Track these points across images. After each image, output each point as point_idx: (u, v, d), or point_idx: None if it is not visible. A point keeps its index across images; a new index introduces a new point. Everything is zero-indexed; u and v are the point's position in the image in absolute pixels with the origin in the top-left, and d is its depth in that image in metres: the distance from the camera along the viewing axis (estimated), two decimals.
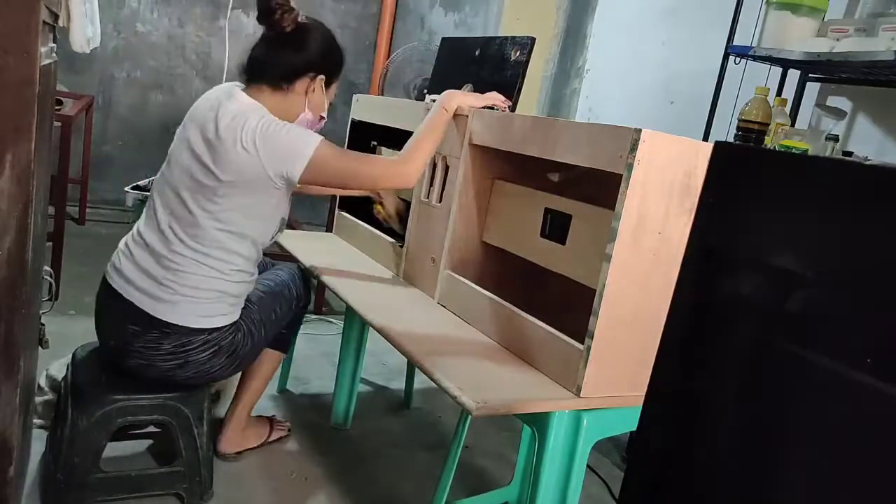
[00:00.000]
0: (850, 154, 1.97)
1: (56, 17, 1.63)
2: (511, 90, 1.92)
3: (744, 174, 0.84)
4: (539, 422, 1.33)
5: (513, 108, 1.88)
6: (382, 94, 3.04)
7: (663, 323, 0.90)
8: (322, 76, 1.70)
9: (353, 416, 2.25)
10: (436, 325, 1.64)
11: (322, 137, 1.60)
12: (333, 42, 1.75)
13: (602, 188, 1.41)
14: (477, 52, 2.16)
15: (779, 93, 2.23)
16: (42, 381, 1.94)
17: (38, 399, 1.89)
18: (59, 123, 2.76)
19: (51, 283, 1.73)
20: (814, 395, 0.73)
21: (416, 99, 2.85)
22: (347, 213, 2.39)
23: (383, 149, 2.33)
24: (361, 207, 2.33)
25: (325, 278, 1.87)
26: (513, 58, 1.99)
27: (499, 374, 1.39)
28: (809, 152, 1.82)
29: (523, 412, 1.32)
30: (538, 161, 1.53)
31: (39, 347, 1.66)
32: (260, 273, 1.88)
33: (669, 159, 1.28)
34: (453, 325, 1.65)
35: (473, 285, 1.68)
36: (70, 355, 1.77)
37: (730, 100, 2.26)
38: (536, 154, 1.52)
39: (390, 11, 4.60)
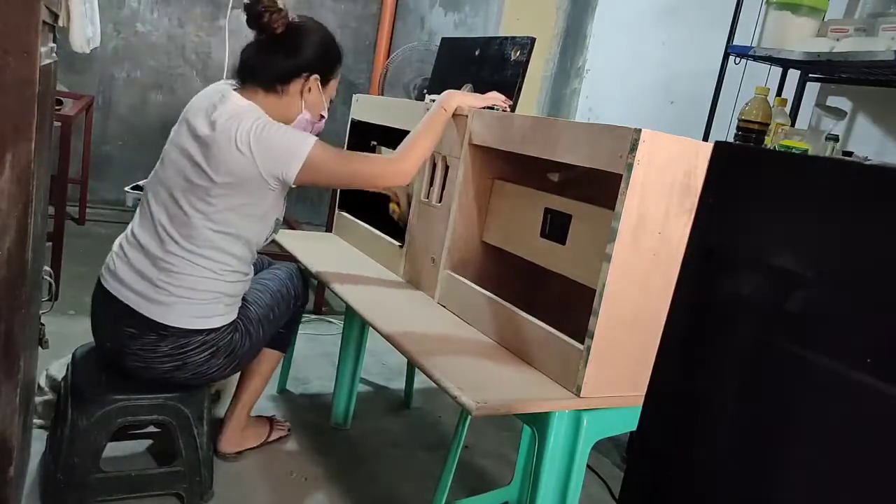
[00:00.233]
0: (850, 154, 1.97)
1: (56, 17, 1.63)
2: (511, 90, 1.92)
3: (744, 174, 0.84)
4: (539, 422, 1.33)
5: (513, 109, 1.88)
6: (382, 94, 3.04)
7: (663, 323, 0.90)
8: (316, 76, 1.68)
9: (353, 416, 2.25)
10: (436, 325, 1.64)
11: (317, 138, 1.60)
12: (328, 39, 1.73)
13: (602, 188, 1.41)
14: (477, 52, 2.16)
15: (779, 93, 2.23)
16: (42, 381, 1.94)
17: (38, 399, 1.89)
18: (59, 123, 2.76)
19: (51, 283, 1.73)
20: (814, 395, 0.73)
21: (416, 99, 2.85)
22: (347, 213, 2.39)
23: (383, 148, 2.32)
24: (361, 207, 2.33)
25: (325, 278, 1.87)
26: (513, 58, 1.99)
27: (499, 374, 1.39)
28: (809, 152, 1.82)
29: (523, 412, 1.32)
30: (538, 161, 1.53)
31: (39, 347, 1.66)
32: (258, 272, 1.88)
33: (669, 159, 1.28)
34: (453, 325, 1.65)
35: (473, 285, 1.68)
36: (70, 355, 1.77)
37: (730, 100, 2.26)
38: (536, 154, 1.51)
39: (390, 11, 4.60)
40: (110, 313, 1.62)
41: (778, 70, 2.25)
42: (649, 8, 3.00)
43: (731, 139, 2.14)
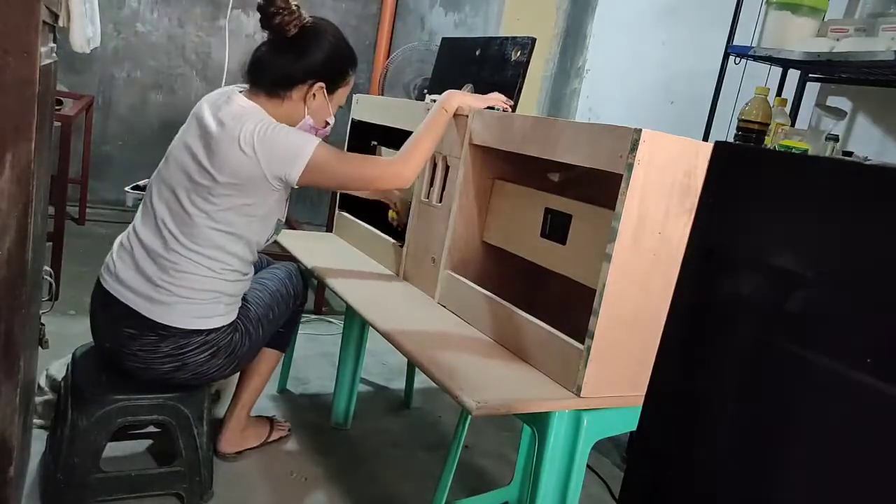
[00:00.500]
0: (850, 154, 1.97)
1: (56, 17, 1.63)
2: (511, 90, 1.92)
3: (744, 174, 0.84)
4: (539, 422, 1.33)
5: (514, 109, 1.88)
6: (382, 94, 3.04)
7: (663, 323, 0.90)
8: (322, 83, 1.66)
9: (353, 416, 2.25)
10: (436, 325, 1.64)
11: (320, 140, 1.60)
12: (339, 46, 1.70)
13: (602, 188, 1.41)
14: (477, 53, 2.16)
15: (779, 93, 2.23)
16: (42, 381, 1.94)
17: (38, 399, 1.89)
18: (59, 123, 2.75)
19: (51, 283, 1.73)
20: (814, 395, 0.73)
21: (416, 99, 2.85)
22: (347, 213, 2.39)
23: (383, 149, 2.33)
24: (361, 207, 2.33)
25: (326, 278, 1.87)
26: (513, 58, 1.99)
27: (499, 373, 1.39)
28: (809, 152, 1.82)
29: (523, 412, 1.32)
30: (538, 161, 1.53)
31: (39, 347, 1.66)
32: (257, 272, 1.88)
33: (669, 159, 1.28)
34: (453, 325, 1.65)
35: (473, 285, 1.68)
36: (70, 355, 1.77)
37: (730, 100, 2.26)
38: (536, 154, 1.51)
39: (390, 11, 4.60)
40: (110, 314, 1.62)
41: (778, 70, 2.25)
42: (649, 8, 3.00)
43: (731, 139, 2.14)
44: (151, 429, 1.89)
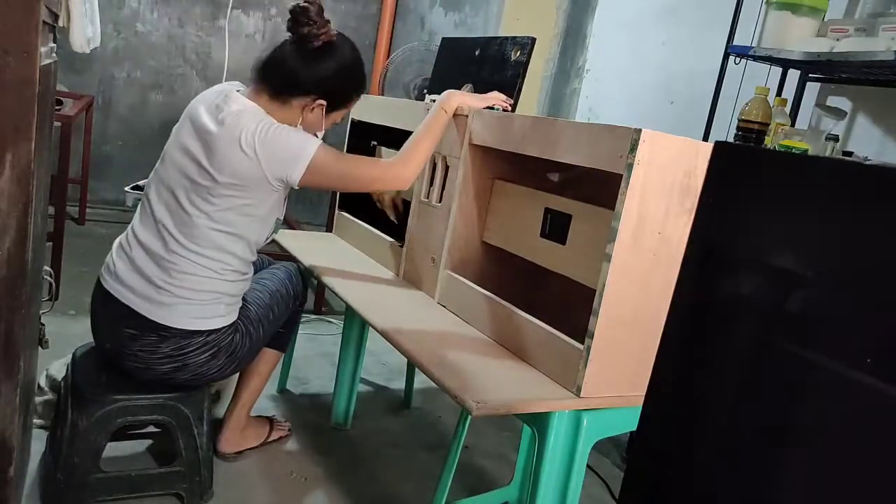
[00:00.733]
0: (850, 154, 1.97)
1: (56, 17, 1.63)
2: (511, 90, 1.92)
3: (744, 174, 0.84)
4: (539, 422, 1.33)
5: (513, 109, 1.88)
6: (382, 94, 3.04)
7: (663, 323, 0.90)
8: (324, 102, 1.65)
9: (353, 416, 2.25)
10: (436, 325, 1.64)
11: (321, 141, 1.60)
12: (352, 72, 1.69)
13: (602, 188, 1.41)
14: (477, 53, 2.16)
15: (779, 93, 2.23)
16: (42, 381, 1.94)
17: (38, 399, 1.89)
18: (59, 123, 2.75)
19: (51, 283, 1.73)
20: (814, 395, 0.73)
21: (416, 99, 2.85)
22: (347, 213, 2.39)
23: (383, 149, 2.33)
24: (362, 207, 2.33)
25: (325, 278, 1.87)
26: (513, 58, 1.99)
27: (499, 374, 1.39)
28: (809, 152, 1.82)
29: (523, 412, 1.32)
30: (538, 161, 1.53)
31: (39, 347, 1.65)
32: (257, 272, 1.88)
33: (669, 159, 1.28)
34: (453, 325, 1.65)
35: (473, 285, 1.68)
36: (70, 355, 1.77)
37: (730, 100, 2.26)
38: (536, 154, 1.51)
39: (390, 11, 4.60)
40: (110, 314, 1.61)
41: (778, 70, 2.26)
42: (649, 8, 3.00)
43: (731, 139, 2.14)
44: (151, 429, 1.89)
